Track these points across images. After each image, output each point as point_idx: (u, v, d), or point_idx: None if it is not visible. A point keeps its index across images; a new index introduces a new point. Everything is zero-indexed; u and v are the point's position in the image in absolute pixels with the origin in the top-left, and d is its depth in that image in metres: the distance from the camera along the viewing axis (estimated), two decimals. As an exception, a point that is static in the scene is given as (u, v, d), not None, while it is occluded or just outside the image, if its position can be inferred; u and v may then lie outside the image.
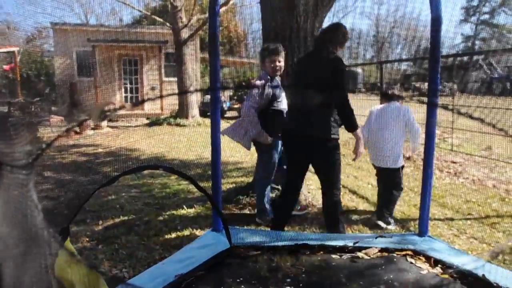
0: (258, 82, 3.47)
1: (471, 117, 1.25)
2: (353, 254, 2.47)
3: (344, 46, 2.91)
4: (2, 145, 0.91)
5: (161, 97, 4.50)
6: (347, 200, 4.37)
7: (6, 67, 12.44)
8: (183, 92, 11.35)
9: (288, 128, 3.00)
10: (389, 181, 3.63)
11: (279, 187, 3.97)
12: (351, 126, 2.82)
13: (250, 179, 4.66)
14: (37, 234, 0.85)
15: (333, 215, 2.97)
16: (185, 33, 12.07)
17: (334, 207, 2.95)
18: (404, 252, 2.48)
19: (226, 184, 4.74)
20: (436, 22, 2.60)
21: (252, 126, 3.35)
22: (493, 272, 2.13)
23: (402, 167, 3.69)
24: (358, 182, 5.14)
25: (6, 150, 0.89)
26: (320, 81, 2.74)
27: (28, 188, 0.86)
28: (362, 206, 4.16)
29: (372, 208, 4.07)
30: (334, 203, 2.94)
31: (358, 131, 2.84)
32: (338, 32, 2.85)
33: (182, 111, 12.36)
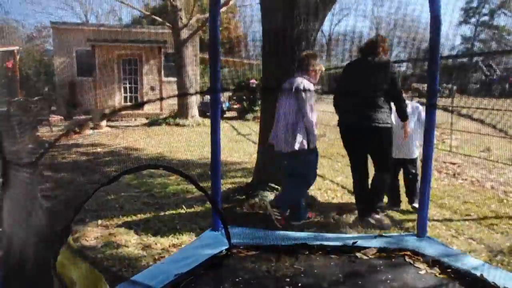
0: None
1: (471, 118, 1.26)
2: (352, 255, 2.48)
3: (388, 51, 3.53)
4: (8, 143, 0.91)
5: (161, 99, 4.56)
6: (346, 200, 4.38)
7: (8, 63, 12.44)
8: (184, 94, 11.36)
9: (347, 122, 3.54)
10: (407, 170, 4.00)
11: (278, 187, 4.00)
12: (404, 117, 3.51)
13: (249, 179, 4.67)
14: (41, 233, 0.86)
15: (376, 193, 3.56)
16: (184, 33, 12.07)
17: (379, 186, 3.55)
18: (402, 253, 2.50)
19: (225, 184, 4.75)
20: (435, 22, 2.61)
21: (314, 132, 3.39)
22: (491, 273, 2.14)
23: (417, 157, 4.01)
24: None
25: (12, 149, 0.90)
26: (377, 81, 3.35)
27: (32, 187, 0.86)
28: (361, 206, 4.16)
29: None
30: (381, 182, 3.54)
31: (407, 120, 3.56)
32: (380, 42, 3.43)
33: (181, 111, 12.36)
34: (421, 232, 2.79)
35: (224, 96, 15.18)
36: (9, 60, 12.69)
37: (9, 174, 0.88)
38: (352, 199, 4.46)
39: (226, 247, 2.54)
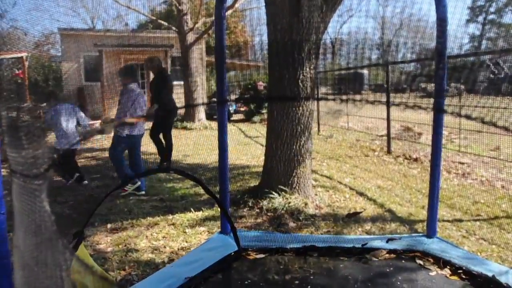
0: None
1: (483, 121, 1.25)
2: (361, 256, 2.47)
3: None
4: (15, 153, 0.92)
5: (166, 111, 5.38)
6: (354, 202, 4.37)
7: (18, 73, 12.60)
8: (193, 105, 11.41)
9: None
10: None
11: None
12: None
13: (258, 182, 4.68)
14: (51, 244, 0.86)
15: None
16: (190, 37, 12.13)
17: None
18: (412, 254, 2.48)
19: (233, 187, 4.76)
20: (442, 24, 2.60)
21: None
22: (503, 273, 2.12)
23: None
24: (365, 184, 5.12)
25: (19, 159, 0.90)
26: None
27: (41, 198, 0.86)
28: (370, 208, 4.15)
29: (380, 210, 4.07)
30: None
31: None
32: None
33: (188, 114, 12.40)
34: (431, 233, 2.77)
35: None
36: (19, 70, 12.84)
37: (15, 184, 0.89)
38: (360, 200, 4.44)
39: (235, 250, 2.54)
